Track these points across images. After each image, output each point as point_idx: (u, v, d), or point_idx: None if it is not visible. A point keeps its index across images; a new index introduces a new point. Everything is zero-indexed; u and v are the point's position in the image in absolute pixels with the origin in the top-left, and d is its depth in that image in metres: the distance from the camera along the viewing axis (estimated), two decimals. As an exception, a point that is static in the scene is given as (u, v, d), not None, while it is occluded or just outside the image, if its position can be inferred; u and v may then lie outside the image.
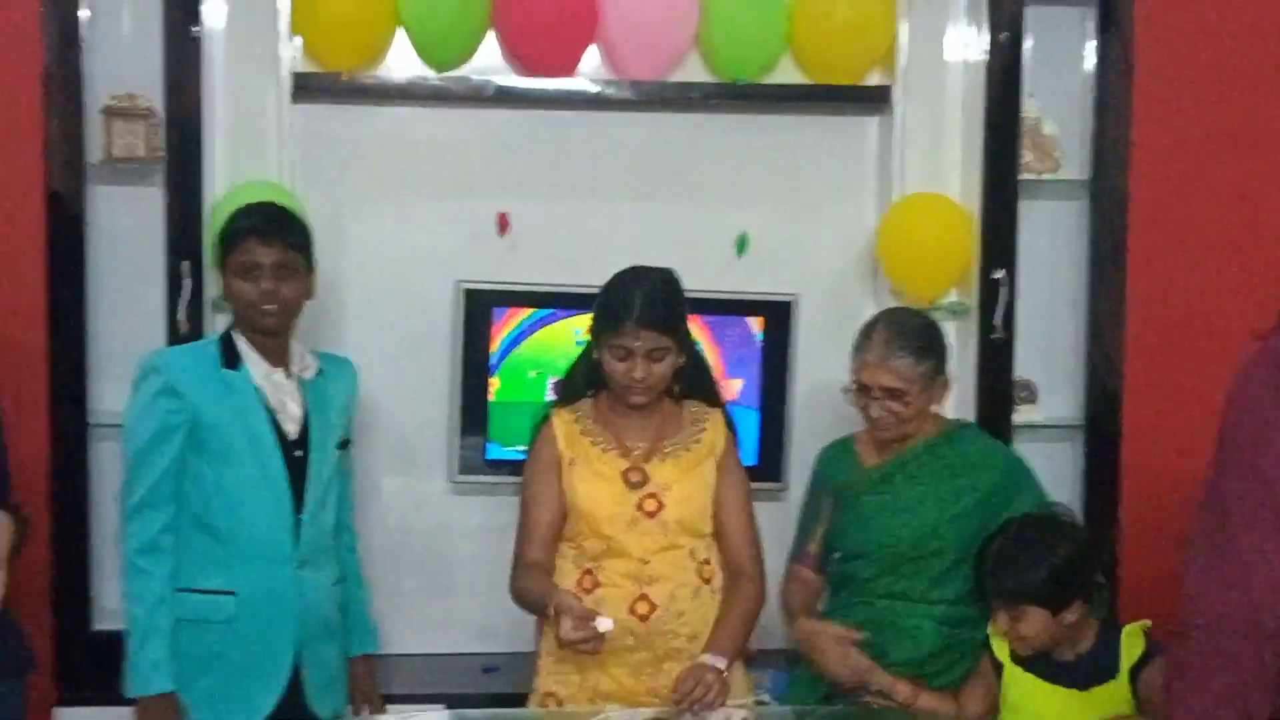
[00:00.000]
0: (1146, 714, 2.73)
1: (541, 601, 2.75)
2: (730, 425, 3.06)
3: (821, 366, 3.63)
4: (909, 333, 3.01)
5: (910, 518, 2.98)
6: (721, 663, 2.70)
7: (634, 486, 2.87)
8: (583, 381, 3.00)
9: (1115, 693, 2.77)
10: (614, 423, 2.93)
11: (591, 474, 2.91)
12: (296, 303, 3.00)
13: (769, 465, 3.67)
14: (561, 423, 2.97)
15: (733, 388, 3.62)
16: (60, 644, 3.47)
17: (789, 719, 2.91)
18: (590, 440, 2.92)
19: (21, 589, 3.18)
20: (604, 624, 2.58)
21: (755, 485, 3.52)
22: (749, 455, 3.60)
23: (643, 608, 2.83)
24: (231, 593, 2.92)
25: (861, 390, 3.01)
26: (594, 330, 2.91)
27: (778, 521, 3.38)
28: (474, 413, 3.52)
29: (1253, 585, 1.86)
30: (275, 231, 2.96)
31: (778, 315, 3.62)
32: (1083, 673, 2.80)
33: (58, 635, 3.47)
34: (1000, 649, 2.87)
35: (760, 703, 2.97)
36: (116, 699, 3.15)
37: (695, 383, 3.05)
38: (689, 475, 2.91)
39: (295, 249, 2.98)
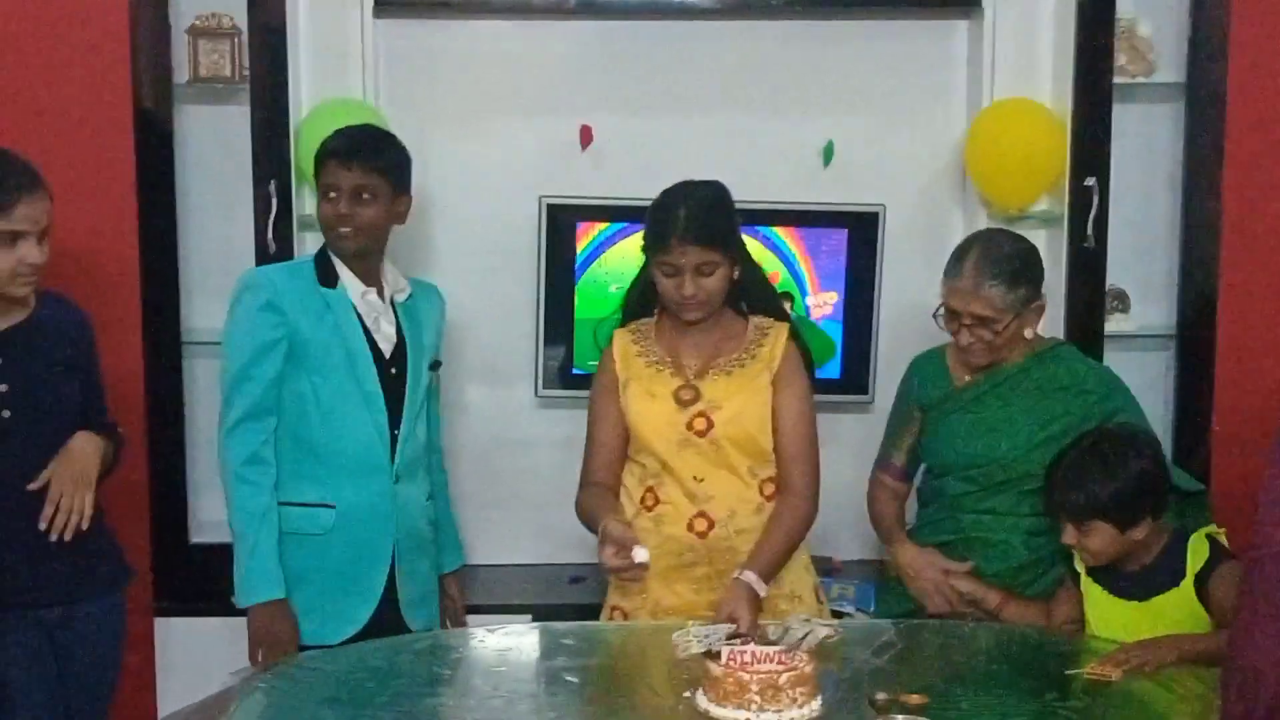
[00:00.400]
0: (1215, 616, 2.74)
1: (596, 523, 2.78)
2: (797, 337, 3.01)
3: (908, 279, 3.70)
4: (1003, 259, 2.98)
5: (1001, 439, 2.99)
6: (761, 586, 2.71)
7: (684, 405, 2.87)
8: (639, 301, 3.01)
9: (1177, 601, 2.79)
10: (673, 341, 2.93)
11: (644, 393, 2.91)
12: (375, 227, 3.01)
13: (855, 379, 3.70)
14: (620, 343, 2.98)
15: (828, 301, 3.65)
16: (158, 557, 3.52)
17: (887, 631, 2.87)
18: (645, 360, 2.92)
19: (119, 505, 3.27)
20: (640, 554, 2.61)
21: (840, 398, 3.68)
22: (834, 368, 3.66)
23: (700, 525, 2.85)
24: (331, 506, 2.98)
25: (952, 315, 3.00)
26: (645, 248, 2.90)
27: (863, 434, 3.47)
28: (558, 327, 3.57)
29: None
30: (355, 155, 2.99)
31: (864, 226, 3.63)
32: (1146, 584, 2.82)
33: (156, 549, 3.52)
34: (1078, 561, 2.89)
35: (840, 614, 3.02)
36: (214, 609, 3.30)
37: (757, 296, 3.02)
38: (742, 391, 2.89)
39: (376, 173, 2.99)
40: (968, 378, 3.11)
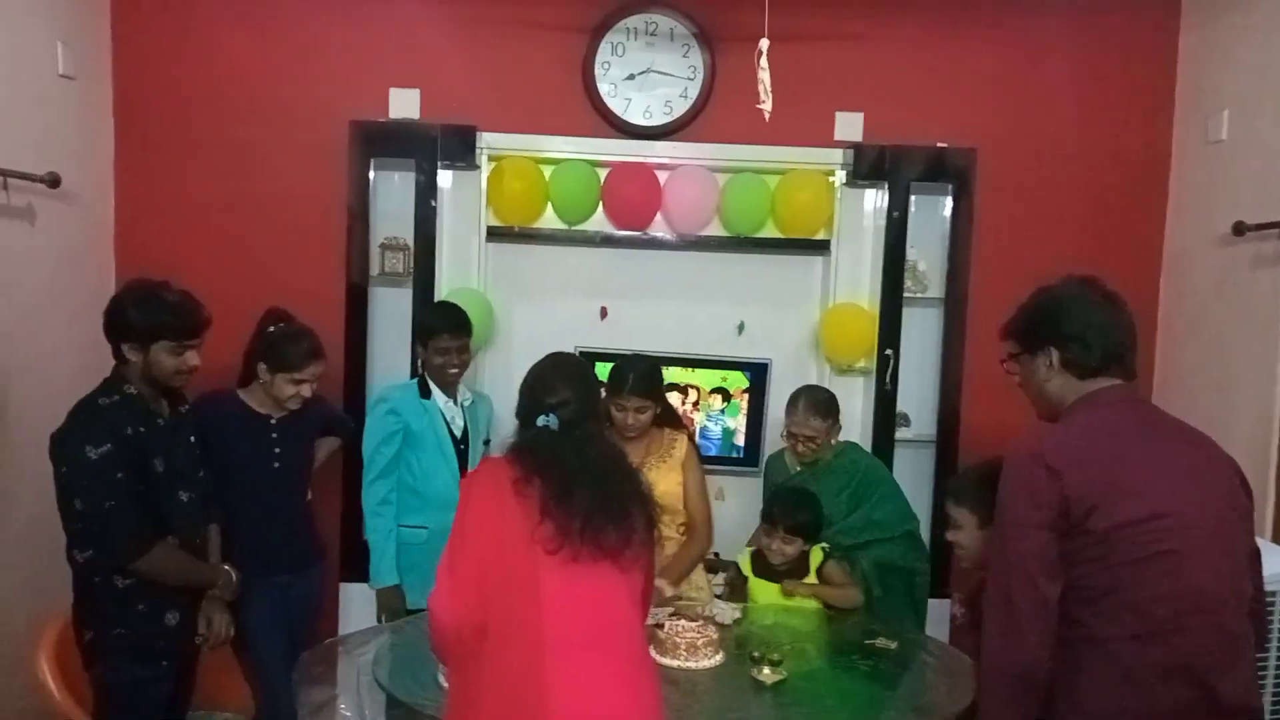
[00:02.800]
0: (824, 581, 2.92)
1: None
2: (692, 440, 3.02)
3: (783, 398, 3.47)
4: (819, 403, 3.08)
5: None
6: (664, 584, 2.61)
7: None
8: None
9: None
10: (624, 439, 2.82)
11: None
12: (465, 368, 3.09)
13: (751, 457, 3.64)
14: None
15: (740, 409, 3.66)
16: (345, 544, 3.49)
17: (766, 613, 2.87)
18: None
19: (327, 513, 3.32)
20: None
21: (742, 468, 3.61)
22: (740, 450, 3.65)
23: None
24: (425, 527, 2.97)
25: (791, 436, 3.09)
26: (606, 391, 2.80)
27: (752, 486, 3.48)
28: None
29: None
30: (460, 329, 3.04)
31: (760, 371, 3.61)
32: (788, 575, 2.92)
33: (344, 537, 3.49)
34: (745, 565, 3.02)
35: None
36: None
37: (668, 418, 2.99)
38: (665, 478, 2.85)
39: (469, 337, 3.06)
40: (799, 468, 3.15)
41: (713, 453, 3.63)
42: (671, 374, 3.56)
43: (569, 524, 1.70)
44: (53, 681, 2.67)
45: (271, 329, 2.78)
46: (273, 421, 2.76)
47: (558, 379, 1.90)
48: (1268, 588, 2.65)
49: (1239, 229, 3.24)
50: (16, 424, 3.00)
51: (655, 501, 1.88)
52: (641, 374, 2.83)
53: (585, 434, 1.85)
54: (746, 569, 3.01)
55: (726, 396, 3.67)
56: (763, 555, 2.98)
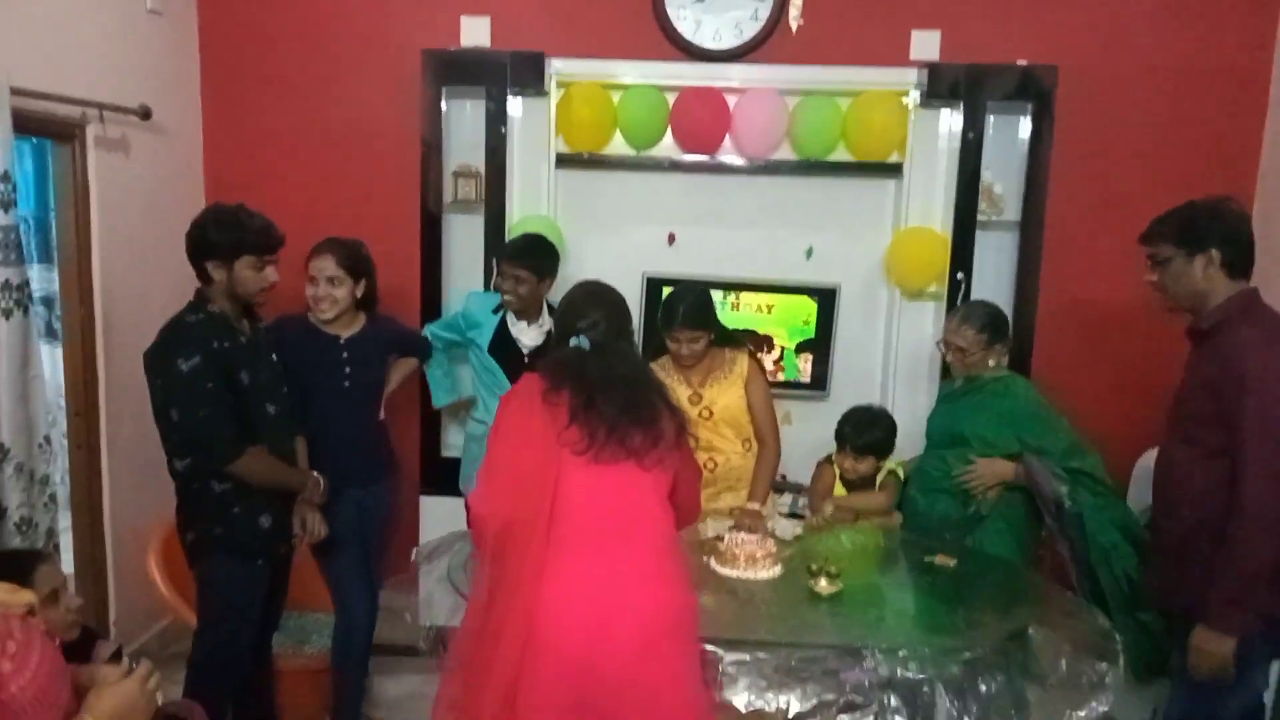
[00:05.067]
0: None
1: None
2: (753, 357, 3.03)
3: (853, 326, 3.68)
4: (977, 314, 2.90)
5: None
6: (756, 505, 2.79)
7: (694, 403, 2.90)
8: (659, 348, 3.00)
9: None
10: (681, 369, 2.94)
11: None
12: (531, 298, 3.13)
13: (819, 383, 3.67)
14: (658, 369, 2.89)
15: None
16: (424, 460, 3.67)
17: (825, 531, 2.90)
18: (667, 378, 2.79)
19: (407, 430, 3.48)
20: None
21: (810, 393, 3.64)
22: (808, 378, 3.68)
23: (710, 465, 2.91)
24: None
25: (945, 343, 2.94)
26: (660, 324, 2.91)
27: (821, 413, 3.44)
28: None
29: None
30: (517, 257, 3.10)
31: (828, 296, 3.60)
32: (861, 487, 3.01)
33: (423, 454, 3.67)
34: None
35: (794, 514, 3.04)
36: (453, 493, 3.38)
37: (726, 339, 3.02)
38: (726, 394, 2.93)
39: (528, 269, 3.08)
40: (958, 383, 2.98)
41: (782, 379, 3.66)
42: (746, 318, 3.60)
43: (596, 428, 1.89)
44: (160, 579, 2.94)
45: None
46: (341, 341, 2.84)
47: (587, 304, 2.07)
48: None
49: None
50: (119, 346, 3.22)
51: (682, 412, 2.07)
52: (690, 305, 2.88)
53: (613, 350, 2.01)
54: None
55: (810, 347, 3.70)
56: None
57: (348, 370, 2.85)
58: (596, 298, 2.11)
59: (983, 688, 2.00)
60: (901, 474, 3.06)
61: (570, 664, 1.81)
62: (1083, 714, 2.04)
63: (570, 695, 1.81)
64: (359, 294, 2.86)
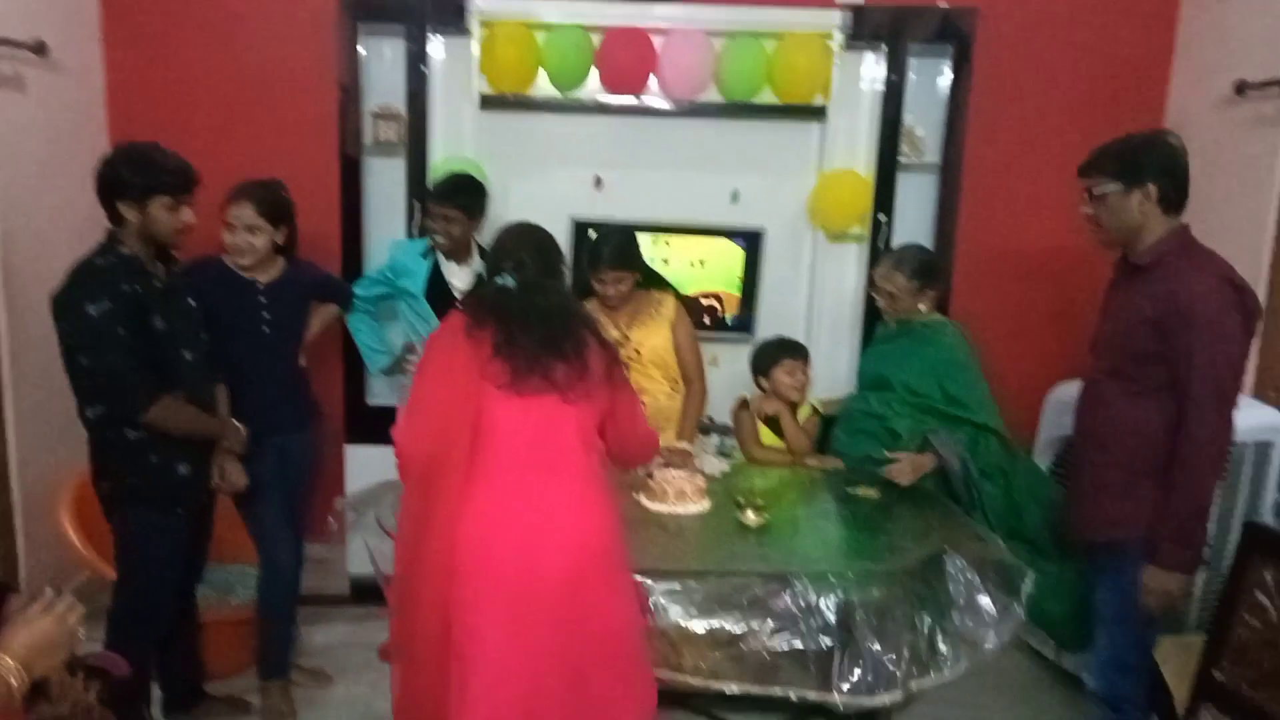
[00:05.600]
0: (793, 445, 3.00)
1: None
2: (679, 299, 3.06)
3: (778, 267, 3.70)
4: (905, 259, 2.91)
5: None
6: (684, 444, 2.83)
7: (621, 345, 2.89)
8: (585, 290, 2.97)
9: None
10: (608, 311, 2.95)
11: None
12: (462, 239, 3.12)
13: (745, 324, 3.68)
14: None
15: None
16: (348, 408, 3.60)
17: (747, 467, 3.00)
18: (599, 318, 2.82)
19: (330, 380, 3.42)
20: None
21: (737, 335, 3.65)
22: (734, 318, 3.69)
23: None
24: None
25: (874, 288, 2.99)
26: (587, 266, 2.93)
27: (746, 357, 3.39)
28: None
29: None
30: (447, 197, 3.09)
31: (754, 239, 3.62)
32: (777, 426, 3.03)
33: (347, 403, 3.60)
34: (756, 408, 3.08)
35: (722, 453, 3.13)
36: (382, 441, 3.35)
37: (652, 281, 3.04)
38: (653, 335, 2.97)
39: (458, 209, 3.07)
40: (893, 326, 3.01)
41: (706, 321, 3.68)
42: (679, 275, 3.58)
43: (518, 361, 1.91)
44: (73, 532, 2.86)
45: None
46: (260, 287, 2.78)
47: (515, 243, 2.09)
48: (1243, 439, 2.81)
49: (1240, 88, 3.21)
50: (20, 292, 3.09)
51: (614, 345, 2.13)
52: (615, 246, 2.88)
53: (539, 288, 2.02)
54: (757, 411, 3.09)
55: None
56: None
57: (267, 316, 2.79)
58: (524, 237, 2.13)
59: (899, 611, 2.08)
60: (822, 410, 3.11)
61: (500, 587, 1.83)
62: (989, 645, 2.14)
63: (504, 614, 1.83)
64: (279, 241, 2.78)
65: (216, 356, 2.64)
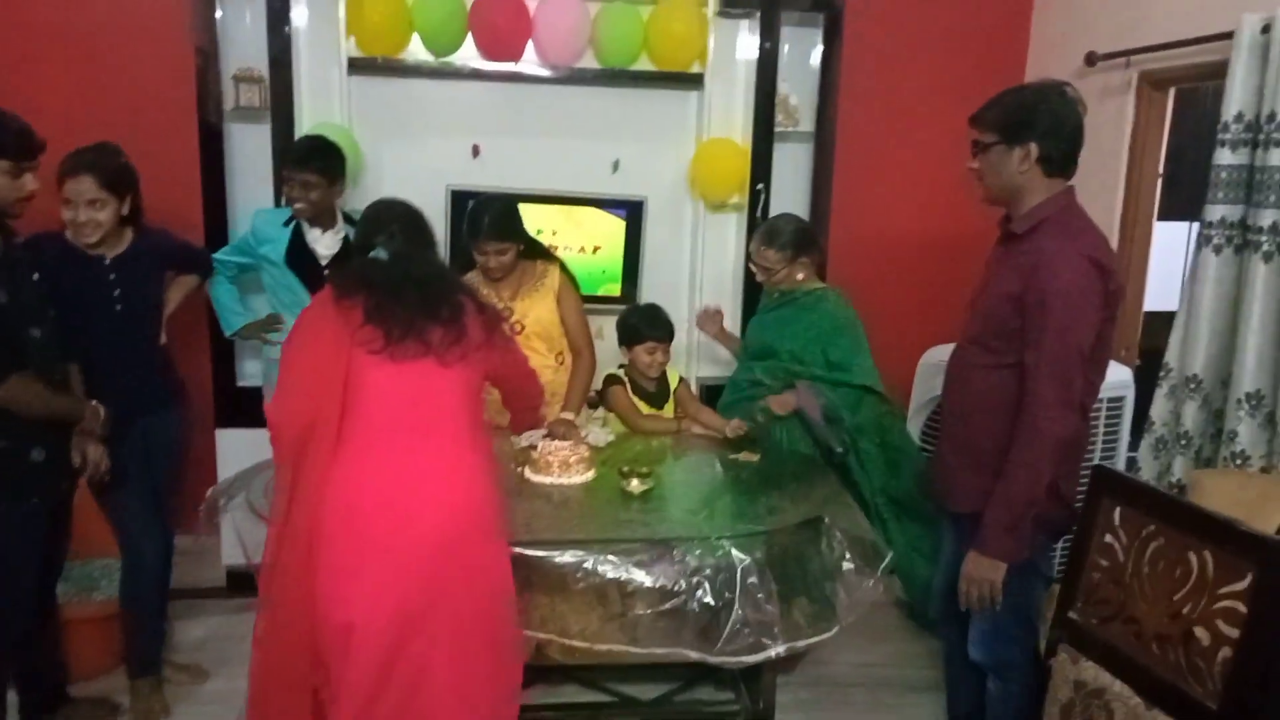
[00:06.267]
0: (680, 409, 3.08)
1: None
2: (564, 270, 3.03)
3: (659, 237, 3.73)
4: (773, 232, 2.92)
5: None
6: (570, 415, 2.81)
7: (505, 318, 2.73)
8: (465, 263, 2.96)
9: (670, 408, 3.09)
10: (490, 283, 2.91)
11: None
12: (323, 203, 3.04)
13: (628, 294, 3.70)
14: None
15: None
16: (217, 390, 3.47)
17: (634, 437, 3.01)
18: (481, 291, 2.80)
19: (194, 360, 3.29)
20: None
21: (620, 305, 3.58)
22: (617, 288, 3.70)
23: None
24: None
25: (751, 263, 3.01)
26: (466, 237, 2.89)
27: None
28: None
29: None
30: (304, 161, 3.01)
31: (635, 208, 3.63)
32: (658, 400, 3.09)
33: (216, 384, 3.47)
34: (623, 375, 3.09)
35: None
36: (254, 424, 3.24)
37: (535, 251, 3.01)
38: (537, 306, 2.95)
39: (316, 172, 2.99)
40: (775, 296, 3.02)
41: (593, 291, 3.66)
42: (546, 216, 3.57)
43: (391, 325, 1.89)
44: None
45: None
46: (106, 261, 2.63)
47: (384, 217, 2.08)
48: (1108, 394, 2.95)
49: (1090, 59, 3.38)
50: None
51: (494, 307, 2.13)
52: (496, 216, 2.84)
53: (410, 258, 2.01)
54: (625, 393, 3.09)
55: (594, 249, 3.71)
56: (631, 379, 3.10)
57: (117, 292, 2.64)
58: (392, 210, 2.12)
59: (779, 572, 2.15)
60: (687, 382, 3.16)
61: (369, 551, 1.81)
62: (859, 608, 2.21)
63: (373, 578, 1.80)
64: (124, 211, 2.63)
65: (67, 335, 2.48)
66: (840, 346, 2.87)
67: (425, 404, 1.91)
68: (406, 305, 1.91)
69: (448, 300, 1.97)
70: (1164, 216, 3.42)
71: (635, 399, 3.07)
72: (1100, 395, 3.06)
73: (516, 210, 2.97)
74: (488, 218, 2.83)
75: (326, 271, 3.05)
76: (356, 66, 3.42)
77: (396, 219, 2.07)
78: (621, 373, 3.11)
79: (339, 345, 1.88)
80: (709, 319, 3.24)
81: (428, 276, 1.99)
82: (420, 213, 2.14)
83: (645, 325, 3.05)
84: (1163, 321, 3.10)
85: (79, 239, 2.58)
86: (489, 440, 2.05)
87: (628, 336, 3.08)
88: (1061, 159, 2.05)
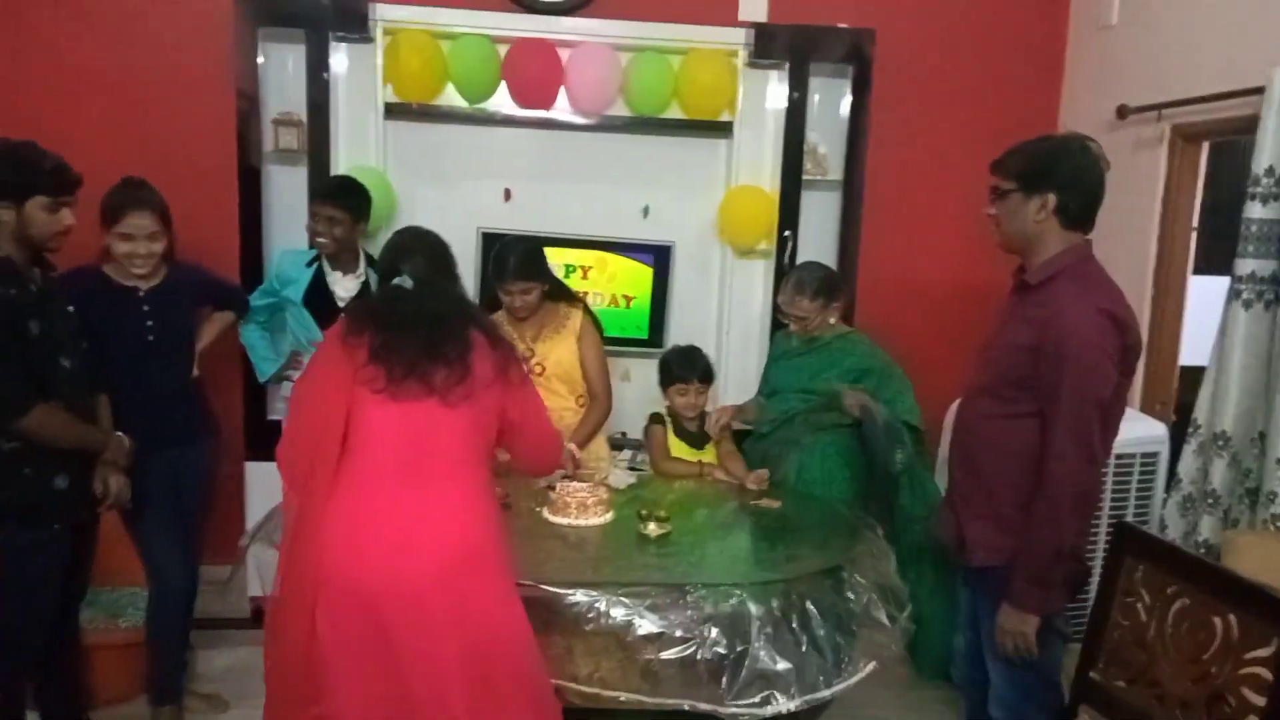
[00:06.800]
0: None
1: None
2: (588, 312, 3.04)
3: (687, 282, 3.75)
4: (806, 282, 2.95)
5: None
6: (574, 448, 2.78)
7: (526, 360, 2.85)
8: (492, 303, 2.97)
9: (711, 450, 3.05)
10: (515, 323, 2.93)
11: None
12: (346, 240, 3.08)
13: (655, 339, 3.71)
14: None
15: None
16: (248, 423, 3.50)
17: (653, 480, 2.97)
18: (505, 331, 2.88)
19: (229, 396, 3.34)
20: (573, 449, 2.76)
21: (647, 349, 3.66)
22: (645, 331, 3.72)
23: None
24: None
25: (782, 314, 3.04)
26: (492, 277, 2.92)
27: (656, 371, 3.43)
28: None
29: None
30: (330, 197, 3.07)
31: (664, 253, 3.66)
32: (699, 440, 3.06)
33: (247, 417, 3.49)
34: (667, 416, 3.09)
35: (633, 468, 3.13)
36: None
37: (560, 295, 3.02)
38: (558, 348, 2.96)
39: (342, 208, 3.03)
40: (795, 343, 3.06)
41: (621, 334, 3.69)
42: (578, 259, 3.61)
43: (393, 365, 1.87)
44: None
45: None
46: (141, 293, 2.69)
47: (408, 243, 2.08)
48: (1131, 450, 2.91)
49: (1122, 112, 3.37)
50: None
51: (511, 343, 2.08)
52: (521, 256, 2.87)
53: (432, 288, 1.99)
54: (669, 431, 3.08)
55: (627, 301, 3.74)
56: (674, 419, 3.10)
57: (150, 324, 2.70)
58: (419, 238, 2.12)
59: (795, 623, 2.11)
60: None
61: (363, 594, 1.79)
62: (876, 661, 2.18)
63: (365, 627, 1.79)
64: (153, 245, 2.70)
65: (98, 367, 2.54)
66: (883, 385, 2.93)
67: (426, 446, 1.89)
68: (411, 344, 1.89)
69: (455, 337, 1.93)
70: (1203, 270, 3.37)
71: (677, 440, 3.08)
72: (1133, 451, 3.05)
73: (541, 251, 3.00)
74: (514, 259, 2.85)
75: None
76: (393, 111, 3.51)
77: (422, 246, 2.07)
78: (664, 412, 3.11)
79: (341, 384, 1.88)
80: (719, 426, 3.06)
81: (439, 313, 1.95)
82: (445, 242, 2.13)
83: (678, 366, 3.06)
84: (1201, 377, 3.04)
85: (134, 270, 2.66)
86: (493, 482, 2.02)
87: (663, 376, 3.10)
88: (1079, 212, 2.04)
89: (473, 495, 1.92)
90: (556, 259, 3.20)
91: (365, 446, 1.87)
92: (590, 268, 3.67)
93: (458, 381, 1.90)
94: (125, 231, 2.61)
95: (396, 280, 2.00)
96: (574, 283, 3.52)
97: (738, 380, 3.71)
